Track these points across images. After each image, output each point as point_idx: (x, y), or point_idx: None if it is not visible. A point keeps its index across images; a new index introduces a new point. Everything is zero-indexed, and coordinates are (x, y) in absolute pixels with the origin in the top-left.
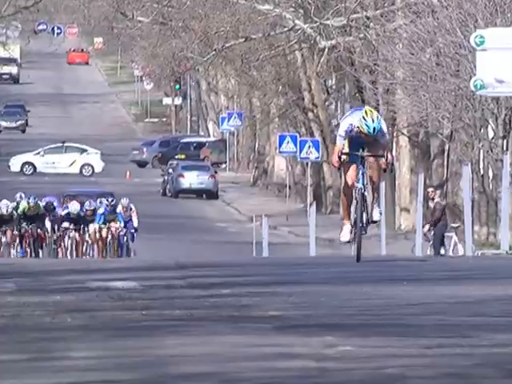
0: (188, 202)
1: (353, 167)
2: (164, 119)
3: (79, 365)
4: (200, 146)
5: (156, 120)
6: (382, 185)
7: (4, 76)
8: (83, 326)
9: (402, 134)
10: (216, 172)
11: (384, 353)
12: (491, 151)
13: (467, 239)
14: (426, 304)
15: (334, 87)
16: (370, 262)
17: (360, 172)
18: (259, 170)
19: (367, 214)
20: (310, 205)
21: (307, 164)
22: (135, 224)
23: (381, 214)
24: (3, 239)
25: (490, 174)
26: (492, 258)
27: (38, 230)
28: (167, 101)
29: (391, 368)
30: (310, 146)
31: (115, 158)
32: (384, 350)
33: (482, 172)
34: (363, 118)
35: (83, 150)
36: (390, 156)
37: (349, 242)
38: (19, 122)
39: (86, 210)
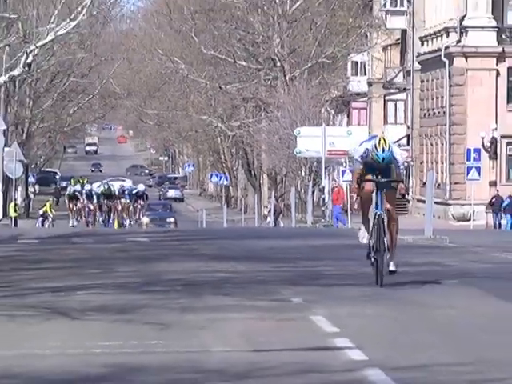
0: (171, 203)
1: (368, 183)
2: (157, 167)
3: (122, 275)
4: (175, 178)
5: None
6: (255, 196)
7: (91, 151)
8: (124, 257)
9: (264, 173)
10: (182, 189)
11: (257, 269)
12: (304, 181)
13: (292, 219)
14: (277, 248)
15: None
16: (252, 230)
17: (379, 198)
18: (201, 189)
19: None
20: (225, 204)
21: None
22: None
23: (396, 269)
24: (98, 211)
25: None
26: (304, 228)
27: (110, 204)
28: (162, 158)
29: (261, 276)
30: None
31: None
32: (258, 268)
33: (300, 189)
34: (375, 146)
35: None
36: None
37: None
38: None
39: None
